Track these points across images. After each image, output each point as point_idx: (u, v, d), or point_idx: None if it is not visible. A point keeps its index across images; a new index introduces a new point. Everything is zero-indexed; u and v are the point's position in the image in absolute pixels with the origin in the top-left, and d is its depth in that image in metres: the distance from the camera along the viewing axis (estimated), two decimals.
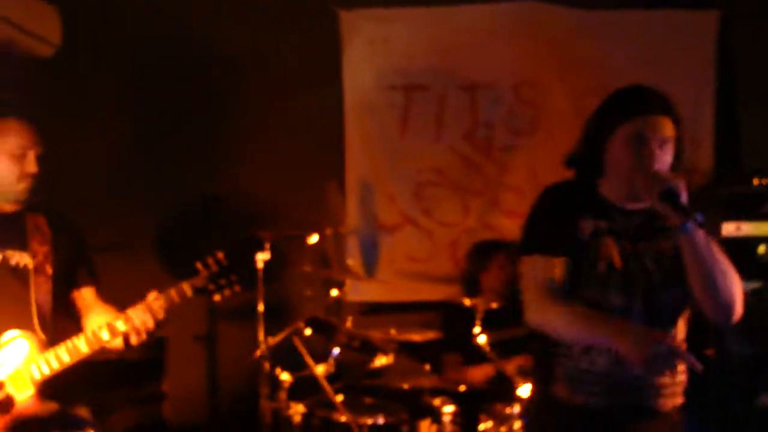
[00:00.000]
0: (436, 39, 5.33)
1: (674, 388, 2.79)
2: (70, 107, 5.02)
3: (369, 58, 5.30)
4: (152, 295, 3.31)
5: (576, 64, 5.31)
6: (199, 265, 3.40)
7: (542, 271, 2.73)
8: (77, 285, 3.46)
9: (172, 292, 3.32)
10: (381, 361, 4.33)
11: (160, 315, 3.29)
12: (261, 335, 4.40)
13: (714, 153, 5.37)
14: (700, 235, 2.60)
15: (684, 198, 2.59)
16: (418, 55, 5.33)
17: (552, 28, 5.37)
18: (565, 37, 5.37)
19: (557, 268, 2.72)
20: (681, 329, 2.81)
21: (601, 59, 5.33)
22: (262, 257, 4.37)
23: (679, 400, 2.82)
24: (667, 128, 2.72)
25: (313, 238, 4.64)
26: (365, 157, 5.29)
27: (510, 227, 5.16)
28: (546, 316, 2.73)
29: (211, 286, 3.39)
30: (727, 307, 2.67)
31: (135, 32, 5.16)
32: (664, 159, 2.72)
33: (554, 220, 2.76)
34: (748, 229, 4.84)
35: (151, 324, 3.28)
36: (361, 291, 5.21)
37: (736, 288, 2.69)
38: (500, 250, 4.76)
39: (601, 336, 2.66)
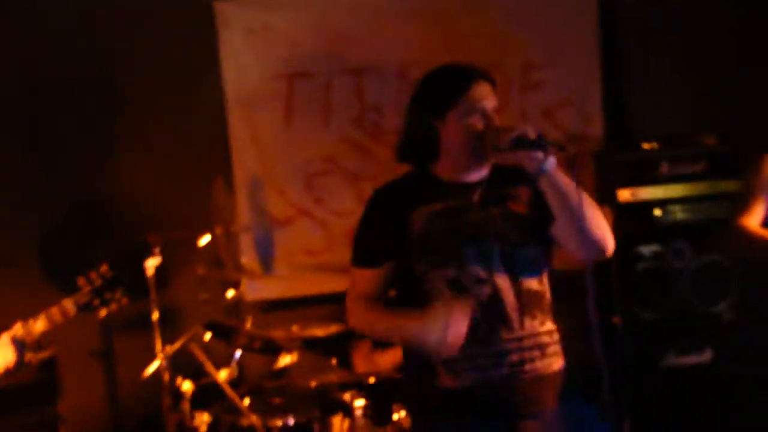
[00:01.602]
0: (319, 24, 5.23)
1: (555, 347, 2.81)
2: None
3: (249, 48, 5.16)
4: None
5: (463, 40, 5.24)
6: (81, 281, 3.25)
7: (361, 283, 2.88)
8: None
9: (54, 311, 3.16)
10: (285, 360, 4.24)
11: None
12: (158, 344, 4.26)
13: (604, 122, 5.41)
14: (560, 173, 2.64)
15: (534, 135, 2.61)
16: (300, 41, 5.21)
17: (436, 5, 5.32)
18: (451, 14, 5.31)
19: (374, 281, 2.85)
20: (546, 287, 2.82)
21: (488, 35, 5.30)
22: (152, 263, 4.23)
23: (561, 362, 2.83)
24: (492, 94, 2.76)
25: (205, 239, 4.53)
26: (252, 150, 5.17)
27: None
28: (360, 322, 2.93)
29: (96, 301, 3.26)
30: (601, 240, 2.71)
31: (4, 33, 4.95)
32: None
33: (380, 227, 2.81)
34: (643, 194, 4.92)
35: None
36: (259, 289, 5.11)
37: (604, 220, 2.73)
38: None
39: (403, 335, 2.77)
